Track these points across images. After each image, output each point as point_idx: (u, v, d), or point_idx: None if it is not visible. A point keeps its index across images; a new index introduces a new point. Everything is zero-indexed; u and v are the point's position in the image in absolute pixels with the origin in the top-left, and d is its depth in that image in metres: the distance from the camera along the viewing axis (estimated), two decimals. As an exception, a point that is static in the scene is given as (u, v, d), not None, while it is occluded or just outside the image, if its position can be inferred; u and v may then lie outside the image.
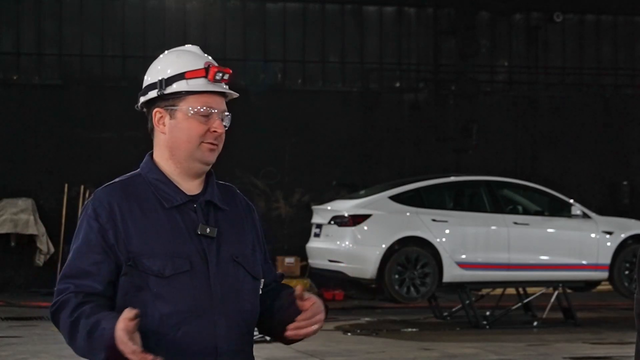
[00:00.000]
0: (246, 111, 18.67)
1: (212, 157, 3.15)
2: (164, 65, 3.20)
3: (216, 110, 3.14)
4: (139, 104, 3.24)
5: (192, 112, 3.12)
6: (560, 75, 20.84)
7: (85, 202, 3.17)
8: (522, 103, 20.64)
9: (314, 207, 15.69)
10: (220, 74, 3.15)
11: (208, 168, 3.19)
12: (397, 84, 20.15)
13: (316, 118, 19.51)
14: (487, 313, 14.55)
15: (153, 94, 3.17)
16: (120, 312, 2.95)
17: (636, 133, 21.00)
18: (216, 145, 3.15)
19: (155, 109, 3.18)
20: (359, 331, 13.47)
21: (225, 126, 3.19)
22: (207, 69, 3.14)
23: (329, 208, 15.08)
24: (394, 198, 14.56)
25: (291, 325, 3.10)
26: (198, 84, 3.13)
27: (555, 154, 20.62)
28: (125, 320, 2.85)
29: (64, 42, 18.67)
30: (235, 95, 3.23)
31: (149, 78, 3.21)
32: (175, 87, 3.14)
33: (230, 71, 3.19)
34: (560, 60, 20.82)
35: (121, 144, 18.02)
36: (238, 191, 3.34)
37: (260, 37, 19.45)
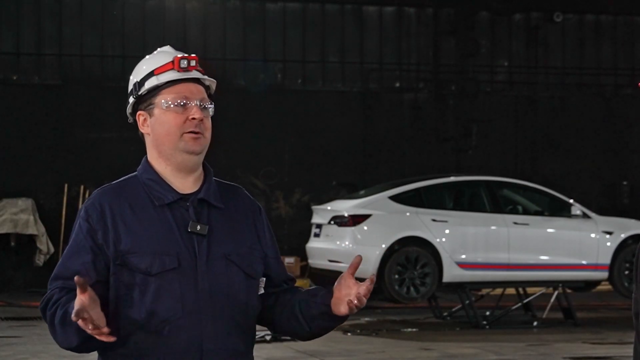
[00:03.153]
0: (246, 111, 18.69)
1: (197, 146, 3.15)
2: (138, 70, 3.25)
3: (191, 99, 3.15)
4: (129, 115, 3.27)
5: (166, 104, 3.14)
6: (560, 75, 20.84)
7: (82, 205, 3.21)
8: (522, 103, 20.64)
9: (314, 207, 15.69)
10: (185, 62, 3.16)
11: (197, 159, 3.18)
12: (397, 84, 20.15)
13: (316, 118, 19.50)
14: (487, 313, 14.55)
15: (131, 99, 3.22)
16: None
17: (636, 133, 20.99)
18: (199, 133, 3.14)
19: (138, 113, 3.22)
20: (359, 331, 13.47)
21: (210, 113, 3.18)
22: (173, 61, 3.17)
23: (329, 208, 15.08)
24: (394, 198, 14.56)
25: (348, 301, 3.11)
26: (167, 76, 3.16)
27: (555, 154, 20.62)
28: (79, 297, 2.86)
29: (64, 42, 18.67)
30: (211, 80, 3.23)
31: (129, 87, 3.26)
32: (147, 85, 3.18)
33: (196, 57, 3.21)
34: (560, 60, 20.82)
35: (121, 144, 18.01)
36: (245, 192, 3.34)
37: (260, 37, 19.45)
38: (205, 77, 3.22)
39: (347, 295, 3.12)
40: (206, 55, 18.42)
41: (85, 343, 2.99)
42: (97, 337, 2.90)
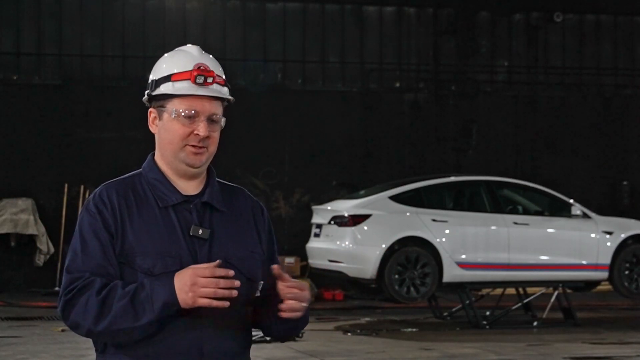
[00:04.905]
0: (246, 111, 18.68)
1: (197, 161, 3.14)
2: (158, 66, 3.22)
3: (201, 113, 3.12)
4: (145, 102, 3.27)
5: (175, 114, 3.13)
6: (560, 75, 20.85)
7: (87, 199, 3.18)
8: (522, 103, 20.64)
9: (314, 207, 15.69)
10: (202, 78, 3.13)
11: (198, 171, 3.17)
12: (397, 84, 20.15)
13: (316, 118, 19.51)
14: (487, 313, 14.55)
15: (147, 94, 3.22)
16: None
17: (636, 133, 21.00)
18: (201, 148, 3.13)
19: (150, 110, 3.22)
20: (359, 331, 13.47)
21: (221, 126, 3.17)
22: (192, 72, 3.14)
23: (329, 208, 15.08)
24: (394, 198, 14.56)
25: (283, 306, 3.09)
26: (182, 88, 3.13)
27: (555, 154, 20.62)
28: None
29: (64, 42, 18.67)
30: (229, 97, 3.21)
31: (148, 79, 3.25)
32: (162, 89, 3.16)
33: (214, 74, 3.16)
34: (560, 60, 20.82)
35: (121, 144, 18.03)
36: (248, 193, 3.33)
37: (260, 37, 19.45)
38: (222, 92, 3.18)
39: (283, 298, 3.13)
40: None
41: (150, 324, 2.99)
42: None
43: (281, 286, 3.10)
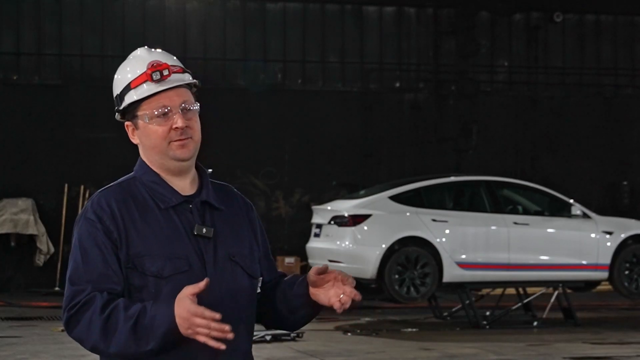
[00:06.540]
0: (246, 111, 18.69)
1: (185, 153, 3.13)
2: (116, 82, 3.27)
3: (172, 107, 3.12)
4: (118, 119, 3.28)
5: (147, 117, 3.14)
6: (560, 75, 20.85)
7: (84, 207, 3.16)
8: (522, 103, 20.64)
9: (314, 207, 15.69)
10: (158, 74, 3.13)
11: (189, 164, 3.17)
12: (397, 84, 20.15)
13: (316, 118, 19.51)
14: (487, 313, 14.55)
15: (116, 110, 3.25)
16: None
17: (636, 133, 21.00)
18: (185, 139, 3.12)
19: (126, 124, 3.25)
20: (359, 331, 13.47)
21: (196, 113, 3.15)
22: (147, 72, 3.14)
23: (329, 208, 15.08)
24: (394, 198, 14.56)
25: (338, 300, 3.08)
26: (143, 91, 3.15)
27: (555, 154, 20.62)
28: (191, 296, 2.88)
29: (64, 42, 18.67)
30: (192, 81, 3.19)
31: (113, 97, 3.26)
32: (126, 99, 3.19)
33: (168, 65, 3.15)
34: (560, 60, 20.82)
35: (121, 144, 17.88)
36: (235, 190, 3.34)
37: (260, 37, 19.45)
38: (183, 79, 3.17)
39: (337, 294, 3.10)
40: (206, 55, 18.42)
41: (153, 350, 2.95)
42: (216, 337, 2.88)
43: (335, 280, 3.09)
